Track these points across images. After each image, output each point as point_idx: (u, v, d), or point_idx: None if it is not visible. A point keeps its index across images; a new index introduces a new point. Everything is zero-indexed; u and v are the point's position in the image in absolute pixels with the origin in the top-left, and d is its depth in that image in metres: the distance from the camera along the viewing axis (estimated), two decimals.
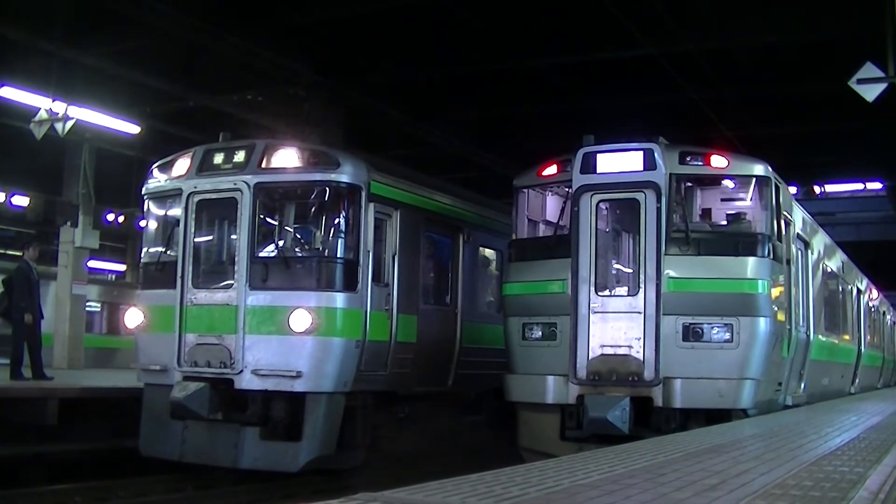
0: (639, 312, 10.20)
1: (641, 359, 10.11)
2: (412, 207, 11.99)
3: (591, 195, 10.63)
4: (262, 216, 11.09)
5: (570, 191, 10.78)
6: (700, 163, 10.66)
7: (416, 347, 11.89)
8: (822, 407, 13.30)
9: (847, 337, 18.44)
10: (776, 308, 10.67)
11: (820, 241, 15.33)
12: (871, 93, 12.61)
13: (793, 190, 17.27)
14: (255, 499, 10.86)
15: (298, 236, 11.42)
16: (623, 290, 10.72)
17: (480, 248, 14.25)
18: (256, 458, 10.65)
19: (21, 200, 27.69)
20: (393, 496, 4.36)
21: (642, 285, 10.25)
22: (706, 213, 12.04)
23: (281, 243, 11.23)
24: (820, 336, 14.22)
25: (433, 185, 13.06)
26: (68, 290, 20.76)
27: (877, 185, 33.96)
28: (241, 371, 10.55)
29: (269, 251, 11.12)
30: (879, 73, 12.51)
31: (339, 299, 10.66)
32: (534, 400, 10.63)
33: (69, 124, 15.76)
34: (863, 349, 20.09)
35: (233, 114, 19.28)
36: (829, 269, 16.28)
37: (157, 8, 15.21)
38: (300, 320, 10.40)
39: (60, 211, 21.22)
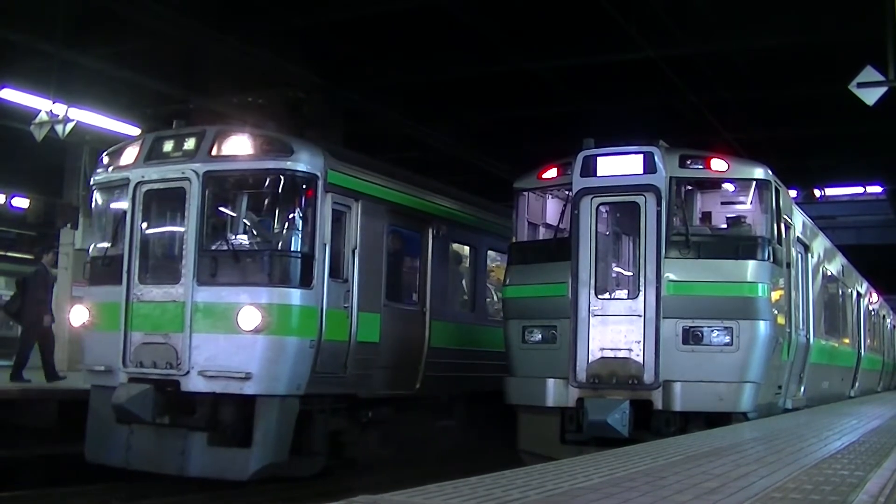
0: (639, 315, 10.19)
1: (641, 362, 10.10)
2: (374, 199, 11.35)
3: (592, 198, 10.62)
4: (211, 207, 10.48)
5: (571, 194, 10.77)
6: (700, 166, 10.67)
7: (379, 348, 11.31)
8: (822, 410, 13.29)
9: (847, 340, 18.43)
10: (776, 311, 10.66)
11: (820, 244, 15.32)
12: (871, 96, 12.62)
13: (793, 193, 17.26)
14: (252, 502, 10.79)
15: (250, 229, 10.74)
16: (623, 294, 10.72)
17: (452, 244, 13.54)
18: (204, 465, 10.08)
19: (21, 202, 27.68)
20: (392, 499, 4.35)
21: (642, 288, 10.24)
22: (706, 216, 12.04)
23: (231, 236, 10.58)
24: (820, 339, 14.21)
25: (398, 176, 12.34)
26: (68, 291, 20.73)
27: (877, 189, 34.00)
28: (188, 372, 9.97)
29: (218, 244, 10.50)
30: (879, 77, 12.51)
31: (291, 295, 10.05)
32: (534, 403, 10.61)
33: (69, 126, 15.75)
34: (863, 353, 20.08)
35: (233, 116, 19.27)
36: (829, 273, 16.28)
37: (157, 10, 15.23)
38: (249, 318, 9.80)
39: (61, 213, 21.18)
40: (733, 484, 5.14)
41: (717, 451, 6.95)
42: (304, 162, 10.27)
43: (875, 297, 24.74)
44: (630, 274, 11.01)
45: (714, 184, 11.42)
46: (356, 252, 10.94)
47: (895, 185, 31.09)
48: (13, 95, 16.58)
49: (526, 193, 11.61)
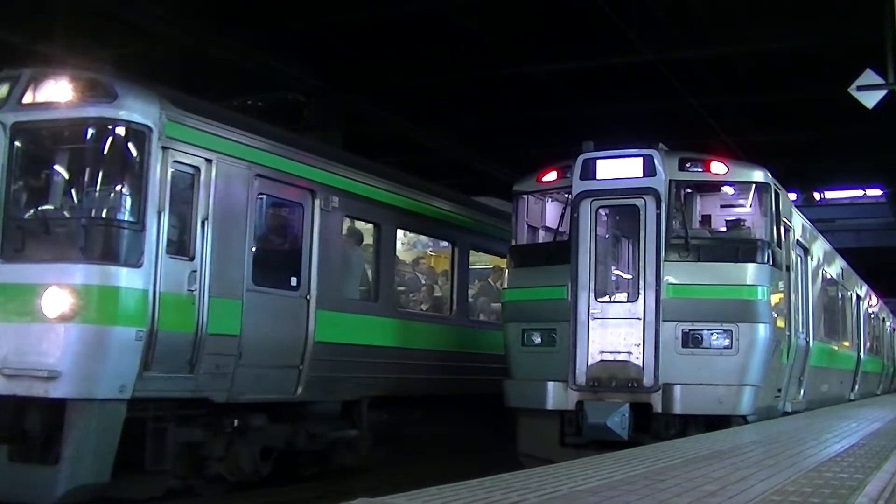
0: (638, 318, 10.19)
1: (641, 365, 10.10)
2: (236, 159, 9.47)
3: (591, 201, 10.63)
4: (22, 166, 8.72)
5: (570, 197, 10.78)
6: (700, 169, 10.68)
7: (242, 342, 9.34)
8: (822, 413, 13.30)
9: (847, 343, 18.44)
10: (776, 314, 10.67)
11: (819, 247, 15.33)
12: (870, 99, 12.65)
13: (792, 196, 17.30)
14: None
15: (69, 193, 8.95)
16: (623, 297, 10.71)
17: (349, 220, 11.53)
18: (4, 485, 8.13)
19: None
20: (392, 501, 4.34)
21: (642, 291, 10.25)
22: (706, 219, 12.04)
23: (43, 202, 8.83)
24: (819, 342, 14.22)
25: (272, 134, 10.30)
26: None
27: (876, 192, 34.09)
28: None
29: (27, 212, 8.76)
30: (879, 80, 12.54)
31: (111, 275, 8.19)
32: (533, 406, 10.61)
33: None
34: (862, 355, 20.09)
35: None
36: (828, 276, 16.29)
37: (157, 13, 15.25)
38: (54, 302, 8.03)
39: None
40: (732, 487, 5.14)
41: (716, 454, 6.94)
42: (130, 109, 8.56)
43: (875, 299, 24.75)
44: (630, 277, 11.00)
45: (713, 187, 11.43)
46: (207, 224, 9.06)
47: (895, 187, 31.13)
48: None
49: (525, 196, 11.62)
